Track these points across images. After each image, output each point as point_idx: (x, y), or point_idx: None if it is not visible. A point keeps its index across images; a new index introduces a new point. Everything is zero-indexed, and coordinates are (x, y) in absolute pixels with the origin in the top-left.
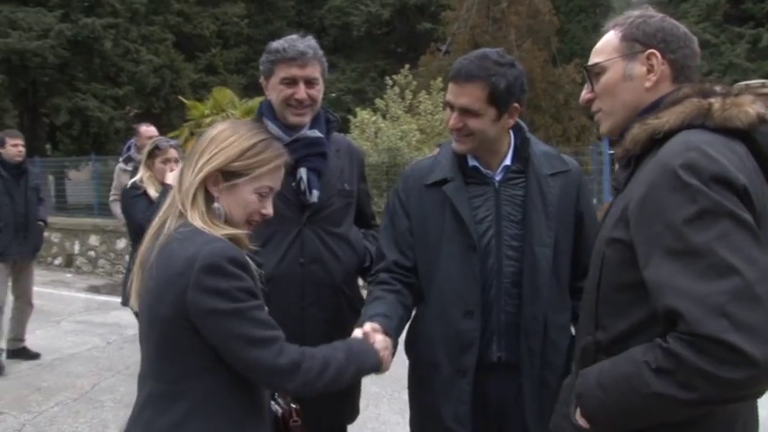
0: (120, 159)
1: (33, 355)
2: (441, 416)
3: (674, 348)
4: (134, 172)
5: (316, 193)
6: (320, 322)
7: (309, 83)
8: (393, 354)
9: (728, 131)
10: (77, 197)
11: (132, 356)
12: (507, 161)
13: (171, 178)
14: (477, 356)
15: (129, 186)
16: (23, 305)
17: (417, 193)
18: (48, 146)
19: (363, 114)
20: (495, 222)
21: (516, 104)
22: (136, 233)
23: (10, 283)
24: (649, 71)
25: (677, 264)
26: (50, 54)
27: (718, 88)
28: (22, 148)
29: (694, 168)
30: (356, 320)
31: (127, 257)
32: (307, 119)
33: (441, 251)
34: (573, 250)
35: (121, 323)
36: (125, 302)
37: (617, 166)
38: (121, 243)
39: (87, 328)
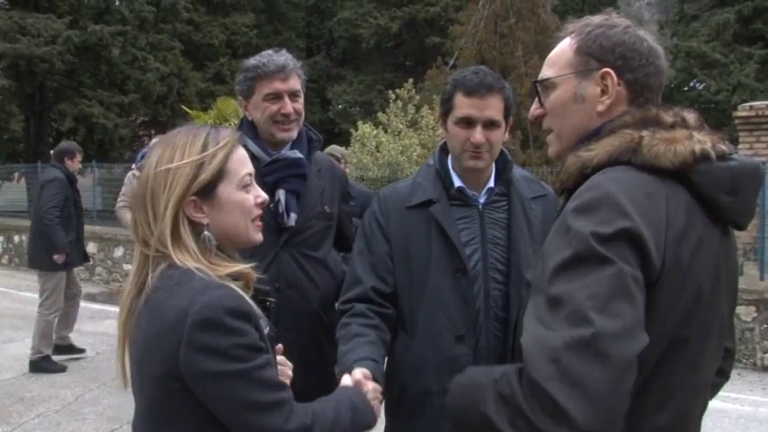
0: (134, 165)
1: (79, 350)
2: None
3: (515, 381)
4: None
5: (293, 216)
6: (295, 350)
7: (293, 96)
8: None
9: (657, 170)
10: None
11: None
12: (491, 183)
13: None
14: None
15: None
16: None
17: (398, 215)
18: (52, 152)
19: (365, 128)
20: (481, 245)
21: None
22: None
23: None
24: (603, 92)
25: (542, 307)
26: (58, 60)
27: (665, 117)
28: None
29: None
30: (333, 349)
31: (124, 266)
32: (294, 133)
33: (428, 275)
34: None
35: (113, 332)
36: None
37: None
38: (119, 251)
39: (78, 337)
